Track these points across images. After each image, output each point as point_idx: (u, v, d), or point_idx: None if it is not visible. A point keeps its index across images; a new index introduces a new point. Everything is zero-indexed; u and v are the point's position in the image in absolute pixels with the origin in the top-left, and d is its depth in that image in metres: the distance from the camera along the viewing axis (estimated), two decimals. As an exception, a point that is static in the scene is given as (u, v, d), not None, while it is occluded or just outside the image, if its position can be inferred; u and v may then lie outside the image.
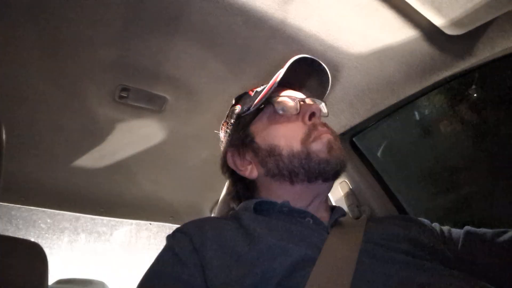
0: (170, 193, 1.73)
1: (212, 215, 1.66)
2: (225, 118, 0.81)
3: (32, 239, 1.69)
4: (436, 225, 0.73)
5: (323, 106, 0.75)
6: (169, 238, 0.60)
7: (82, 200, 1.66)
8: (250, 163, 0.71)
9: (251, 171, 0.70)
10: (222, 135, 0.80)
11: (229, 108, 0.81)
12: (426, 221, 0.73)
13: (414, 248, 0.59)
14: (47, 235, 2.12)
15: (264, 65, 0.94)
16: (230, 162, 0.74)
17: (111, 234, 2.39)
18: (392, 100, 0.99)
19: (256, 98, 0.72)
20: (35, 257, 0.95)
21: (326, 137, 0.65)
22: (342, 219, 0.68)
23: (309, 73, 0.74)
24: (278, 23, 0.80)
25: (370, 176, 1.14)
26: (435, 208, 1.11)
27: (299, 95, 0.74)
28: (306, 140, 0.65)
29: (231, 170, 0.75)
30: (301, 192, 0.66)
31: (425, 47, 0.82)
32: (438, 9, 0.65)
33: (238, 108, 0.76)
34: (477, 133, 0.98)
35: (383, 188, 1.12)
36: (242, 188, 0.75)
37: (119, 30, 0.84)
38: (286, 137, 0.66)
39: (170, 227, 2.01)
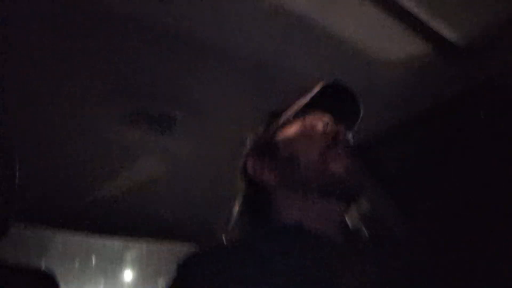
0: (182, 213, 1.72)
1: (223, 235, 1.64)
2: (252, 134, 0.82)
3: (43, 264, 1.68)
4: None
5: (349, 137, 0.75)
6: (180, 269, 0.58)
7: (94, 222, 1.66)
8: (269, 170, 0.71)
9: (268, 178, 0.70)
10: (247, 146, 0.81)
11: (243, 128, 0.82)
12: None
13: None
14: (58, 260, 2.11)
15: (278, 85, 0.94)
16: (249, 168, 0.73)
17: (121, 258, 2.38)
18: (404, 114, 0.98)
19: (284, 116, 0.74)
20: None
21: (345, 160, 0.65)
22: (358, 239, 0.66)
23: (340, 99, 0.74)
24: (292, 42, 0.80)
25: (383, 192, 1.12)
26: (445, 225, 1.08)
27: (328, 117, 0.74)
28: (324, 155, 0.65)
29: (248, 179, 0.74)
30: (315, 208, 0.65)
31: (436, 61, 0.81)
32: (450, 23, 0.65)
33: (264, 126, 0.78)
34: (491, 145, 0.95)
35: (397, 204, 1.09)
36: (255, 199, 0.74)
37: (129, 52, 0.85)
38: (306, 149, 0.67)
39: (181, 249, 2.00)
